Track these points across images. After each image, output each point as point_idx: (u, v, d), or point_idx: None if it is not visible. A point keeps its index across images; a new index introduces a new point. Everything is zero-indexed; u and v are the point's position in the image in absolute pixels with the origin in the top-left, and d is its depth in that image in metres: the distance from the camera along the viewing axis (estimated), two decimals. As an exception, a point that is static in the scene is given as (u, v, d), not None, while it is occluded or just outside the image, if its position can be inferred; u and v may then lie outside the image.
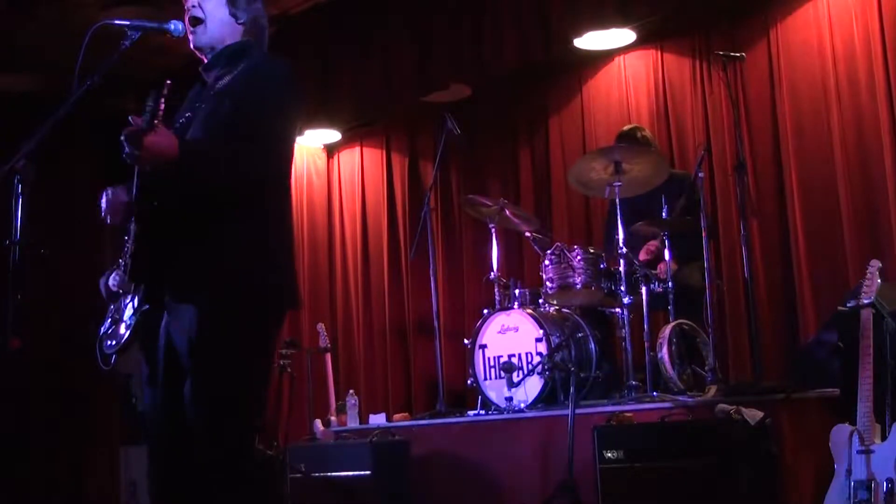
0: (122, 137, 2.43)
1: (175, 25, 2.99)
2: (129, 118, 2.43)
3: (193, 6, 2.80)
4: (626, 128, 5.61)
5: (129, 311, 4.33)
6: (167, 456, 4.12)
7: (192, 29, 2.81)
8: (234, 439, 2.57)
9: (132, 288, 4.03)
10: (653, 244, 5.22)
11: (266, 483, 2.61)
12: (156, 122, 2.41)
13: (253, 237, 2.59)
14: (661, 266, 5.02)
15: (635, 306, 4.94)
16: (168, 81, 2.49)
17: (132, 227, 2.63)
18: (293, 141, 2.77)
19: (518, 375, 4.95)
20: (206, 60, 2.84)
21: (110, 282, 4.33)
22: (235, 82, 2.67)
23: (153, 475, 4.25)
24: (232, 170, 2.53)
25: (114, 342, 4.31)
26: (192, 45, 2.84)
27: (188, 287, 2.60)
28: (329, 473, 5.16)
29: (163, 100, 2.44)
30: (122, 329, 4.34)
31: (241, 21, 2.80)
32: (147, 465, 4.26)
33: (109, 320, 4.47)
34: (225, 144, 2.56)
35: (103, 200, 2.73)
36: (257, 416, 2.68)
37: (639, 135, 5.45)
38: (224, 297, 2.56)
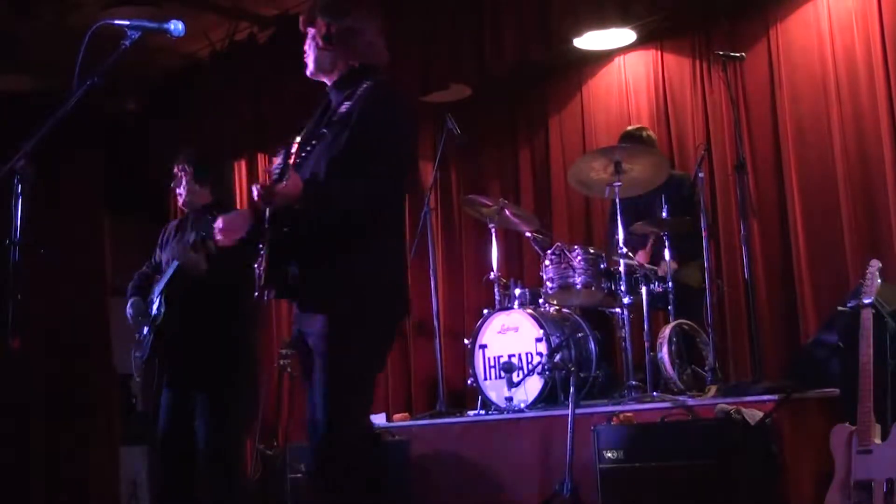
0: (258, 189, 2.80)
1: (175, 25, 2.99)
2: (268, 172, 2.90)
3: (307, 42, 3.12)
4: (630, 128, 5.61)
5: (146, 327, 4.46)
6: (176, 456, 4.21)
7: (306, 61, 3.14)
8: (354, 424, 2.96)
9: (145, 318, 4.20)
10: (646, 248, 5.23)
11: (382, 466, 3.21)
12: (287, 175, 2.78)
13: (371, 256, 2.95)
14: (662, 266, 5.02)
15: (635, 306, 4.94)
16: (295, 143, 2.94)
17: (262, 248, 2.95)
18: (407, 165, 3.13)
19: (518, 375, 4.95)
20: (328, 83, 3.13)
21: (128, 312, 4.48)
22: (350, 113, 2.94)
23: (160, 474, 4.33)
24: (346, 204, 2.87)
25: (139, 353, 4.43)
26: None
27: (317, 300, 2.97)
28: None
29: (292, 157, 2.88)
30: (145, 340, 4.45)
31: (335, 49, 3.06)
32: (151, 464, 4.32)
33: (139, 333, 4.59)
34: (341, 181, 2.88)
35: (219, 223, 3.09)
36: (369, 406, 3.08)
37: (643, 134, 5.45)
38: (347, 308, 2.92)
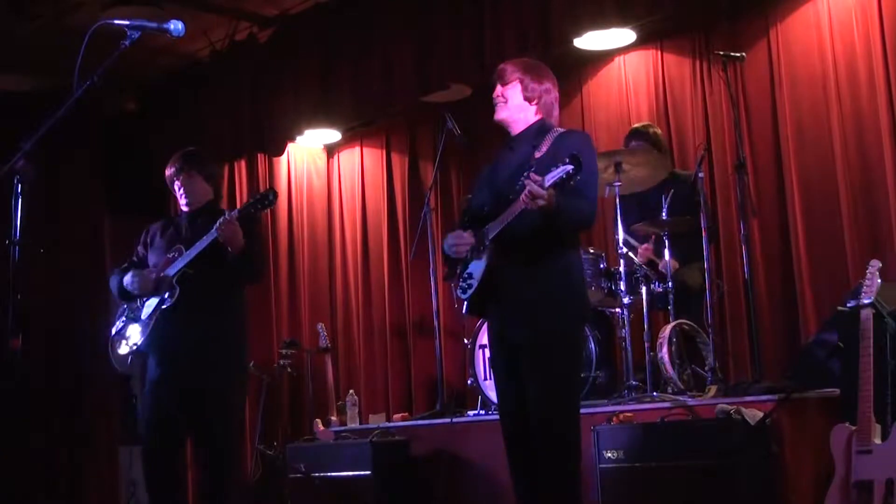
0: (531, 190, 3.31)
1: (175, 25, 2.99)
2: (531, 175, 3.34)
3: (499, 95, 3.74)
4: (638, 125, 5.59)
5: (146, 311, 4.34)
6: (165, 459, 4.23)
7: (496, 106, 3.75)
8: (570, 409, 3.54)
9: (160, 290, 4.13)
10: (646, 249, 5.22)
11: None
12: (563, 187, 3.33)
13: (569, 263, 3.61)
14: (662, 264, 5.02)
15: (635, 306, 4.94)
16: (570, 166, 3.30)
17: (478, 263, 3.59)
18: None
19: (518, 375, 4.94)
20: (511, 132, 3.76)
21: (126, 281, 4.35)
22: (554, 152, 3.54)
23: (151, 476, 4.29)
24: (575, 223, 3.60)
25: (136, 344, 4.30)
26: (495, 118, 3.77)
27: (531, 300, 3.53)
28: (329, 473, 5.16)
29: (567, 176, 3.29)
30: (140, 329, 4.33)
31: (535, 104, 3.75)
32: (144, 466, 4.29)
33: (123, 320, 4.47)
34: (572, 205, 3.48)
35: (451, 239, 3.69)
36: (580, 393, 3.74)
37: (651, 132, 5.43)
38: (559, 304, 3.54)
